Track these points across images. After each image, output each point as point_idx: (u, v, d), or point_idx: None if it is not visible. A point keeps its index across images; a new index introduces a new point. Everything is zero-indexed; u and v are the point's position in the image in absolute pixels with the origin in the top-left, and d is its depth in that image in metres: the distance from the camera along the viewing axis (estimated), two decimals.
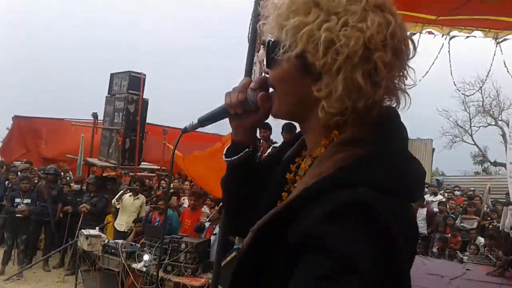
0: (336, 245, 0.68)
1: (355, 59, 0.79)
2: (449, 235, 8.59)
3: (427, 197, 11.62)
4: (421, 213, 9.37)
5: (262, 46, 3.06)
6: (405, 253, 0.74)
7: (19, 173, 9.90)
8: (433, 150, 17.60)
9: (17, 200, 7.79)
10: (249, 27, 2.29)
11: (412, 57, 0.86)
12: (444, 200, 10.90)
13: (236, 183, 1.13)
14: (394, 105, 0.88)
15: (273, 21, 0.88)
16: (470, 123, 22.89)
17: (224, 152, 1.12)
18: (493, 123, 21.98)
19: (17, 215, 7.69)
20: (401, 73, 0.86)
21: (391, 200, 0.74)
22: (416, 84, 0.89)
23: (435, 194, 12.18)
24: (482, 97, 21.64)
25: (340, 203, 0.72)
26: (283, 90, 0.92)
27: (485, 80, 18.60)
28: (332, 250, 0.68)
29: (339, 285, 0.66)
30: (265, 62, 1.06)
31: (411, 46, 0.86)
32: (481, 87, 19.37)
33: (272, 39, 0.90)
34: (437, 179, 15.29)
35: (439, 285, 5.30)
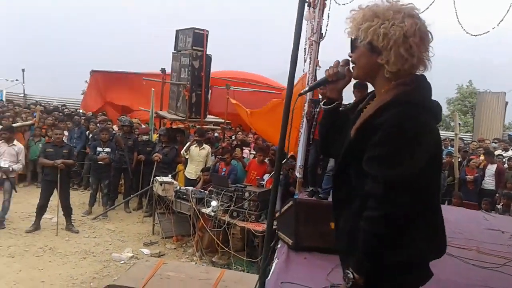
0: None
1: (399, 41, 1.52)
2: None
3: (498, 153, 11.15)
4: (491, 169, 9.07)
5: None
6: (427, 140, 1.50)
7: (98, 124, 10.80)
8: (506, 103, 16.47)
9: (99, 149, 8.45)
10: None
11: (431, 41, 1.58)
12: None
13: (329, 121, 1.86)
14: (424, 69, 1.60)
15: (353, 27, 1.61)
16: None
17: (322, 103, 1.85)
18: None
19: (99, 163, 8.43)
20: (426, 49, 1.57)
21: (422, 113, 1.51)
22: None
23: (506, 150, 11.65)
24: None
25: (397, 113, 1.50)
26: (361, 62, 1.64)
27: None
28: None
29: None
30: (350, 49, 1.68)
31: (430, 35, 1.58)
32: None
33: (352, 37, 1.63)
34: (509, 134, 14.47)
35: (498, 240, 5.25)
